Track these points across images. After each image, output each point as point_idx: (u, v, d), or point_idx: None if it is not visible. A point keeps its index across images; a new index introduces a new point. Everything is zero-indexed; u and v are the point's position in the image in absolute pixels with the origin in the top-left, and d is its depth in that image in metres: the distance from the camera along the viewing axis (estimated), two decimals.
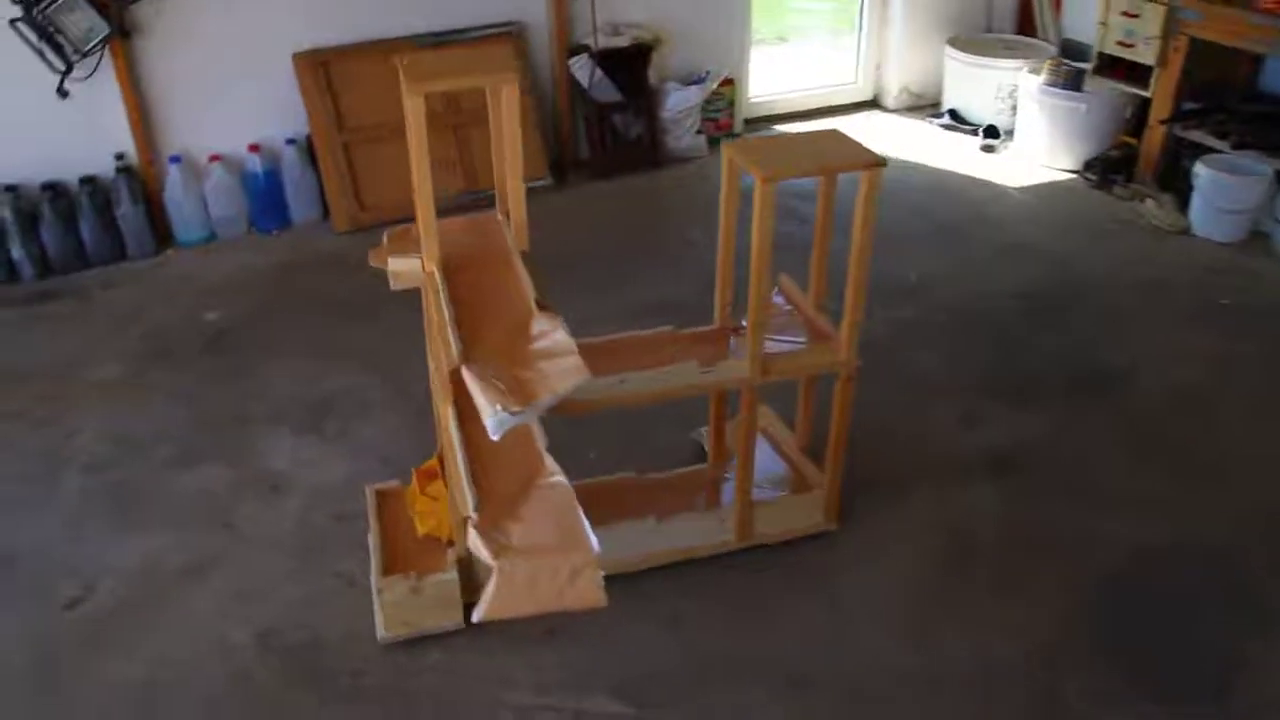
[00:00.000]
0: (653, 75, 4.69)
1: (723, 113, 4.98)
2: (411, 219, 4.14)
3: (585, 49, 4.53)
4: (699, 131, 4.84)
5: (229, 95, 4.17)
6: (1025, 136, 4.81)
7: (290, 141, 4.26)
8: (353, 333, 3.52)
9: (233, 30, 4.07)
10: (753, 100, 5.24)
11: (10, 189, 3.91)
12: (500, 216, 2.15)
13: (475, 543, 1.73)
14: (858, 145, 2.13)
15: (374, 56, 4.27)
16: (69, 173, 3.99)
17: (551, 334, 1.69)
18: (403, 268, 1.97)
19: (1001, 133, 4.96)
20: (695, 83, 4.76)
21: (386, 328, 3.35)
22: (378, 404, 3.14)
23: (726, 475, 2.57)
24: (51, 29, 3.68)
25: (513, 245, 1.95)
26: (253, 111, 4.22)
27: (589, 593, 1.69)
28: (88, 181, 4.00)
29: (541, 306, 1.75)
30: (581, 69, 4.48)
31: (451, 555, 2.28)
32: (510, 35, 4.44)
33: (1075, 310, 3.56)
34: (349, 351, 3.41)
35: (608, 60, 4.52)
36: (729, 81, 4.92)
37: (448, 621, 2.28)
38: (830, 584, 2.42)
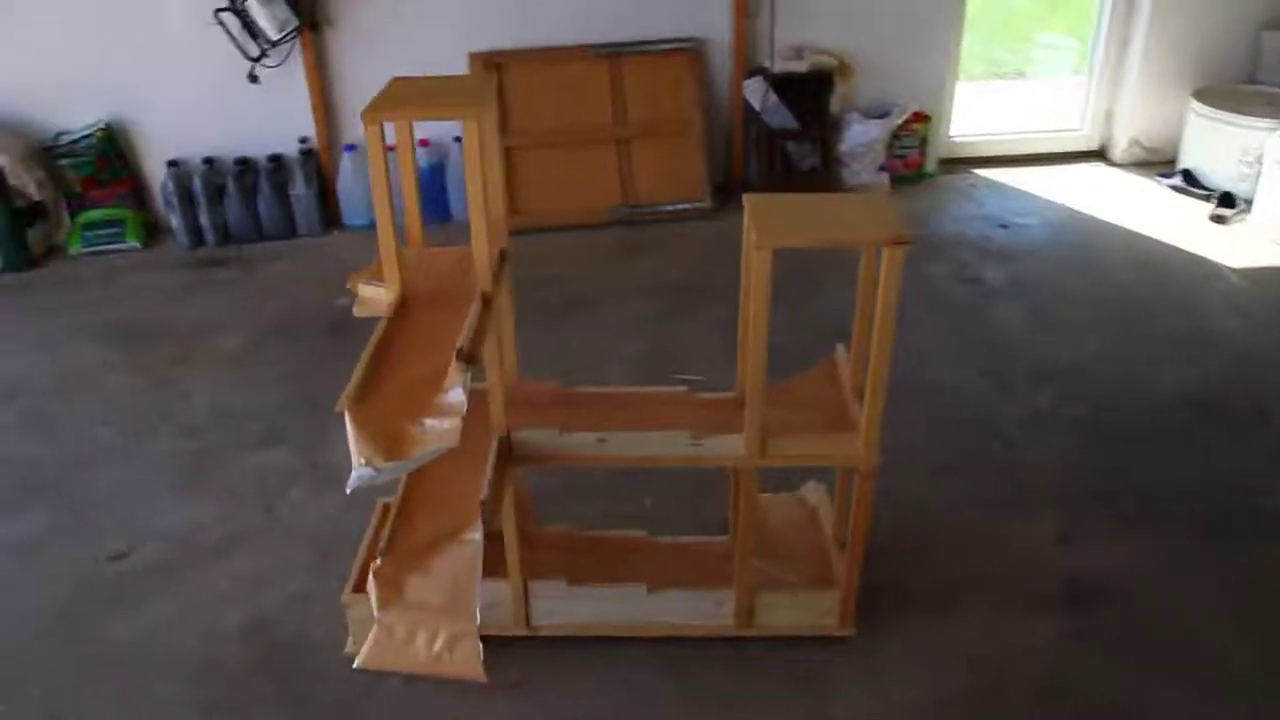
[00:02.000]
0: (835, 104, 4.42)
1: (913, 150, 4.62)
2: (563, 228, 4.20)
3: (763, 71, 4.34)
4: (882, 168, 4.52)
5: None
6: (1265, 209, 4.13)
7: (458, 139, 4.37)
8: None
9: (415, 27, 4.22)
10: (953, 139, 4.84)
11: (208, 161, 4.28)
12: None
13: (370, 587, 1.67)
14: (887, 217, 1.86)
15: (548, 63, 4.31)
16: (259, 151, 4.31)
17: (451, 390, 1.58)
18: (369, 295, 1.92)
19: (1239, 202, 4.28)
20: (880, 116, 4.45)
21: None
22: None
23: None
24: (250, 19, 3.97)
25: (480, 284, 1.85)
26: None
27: (467, 662, 1.59)
28: (274, 160, 4.31)
29: (464, 356, 1.65)
30: (754, 92, 4.30)
31: None
32: (689, 51, 4.33)
33: (1255, 432, 2.97)
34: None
35: (785, 85, 4.30)
36: (923, 117, 4.56)
37: None
38: (824, 698, 2.15)
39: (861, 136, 4.40)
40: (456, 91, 1.88)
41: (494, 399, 1.97)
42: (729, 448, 2.01)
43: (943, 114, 4.68)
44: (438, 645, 1.62)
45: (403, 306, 1.86)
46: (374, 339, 1.74)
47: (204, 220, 4.25)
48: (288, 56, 4.14)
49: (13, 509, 2.79)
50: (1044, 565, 2.49)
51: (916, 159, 4.64)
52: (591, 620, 2.25)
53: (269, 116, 4.24)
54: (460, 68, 4.28)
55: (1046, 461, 2.84)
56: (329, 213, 4.42)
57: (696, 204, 4.36)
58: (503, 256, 2.05)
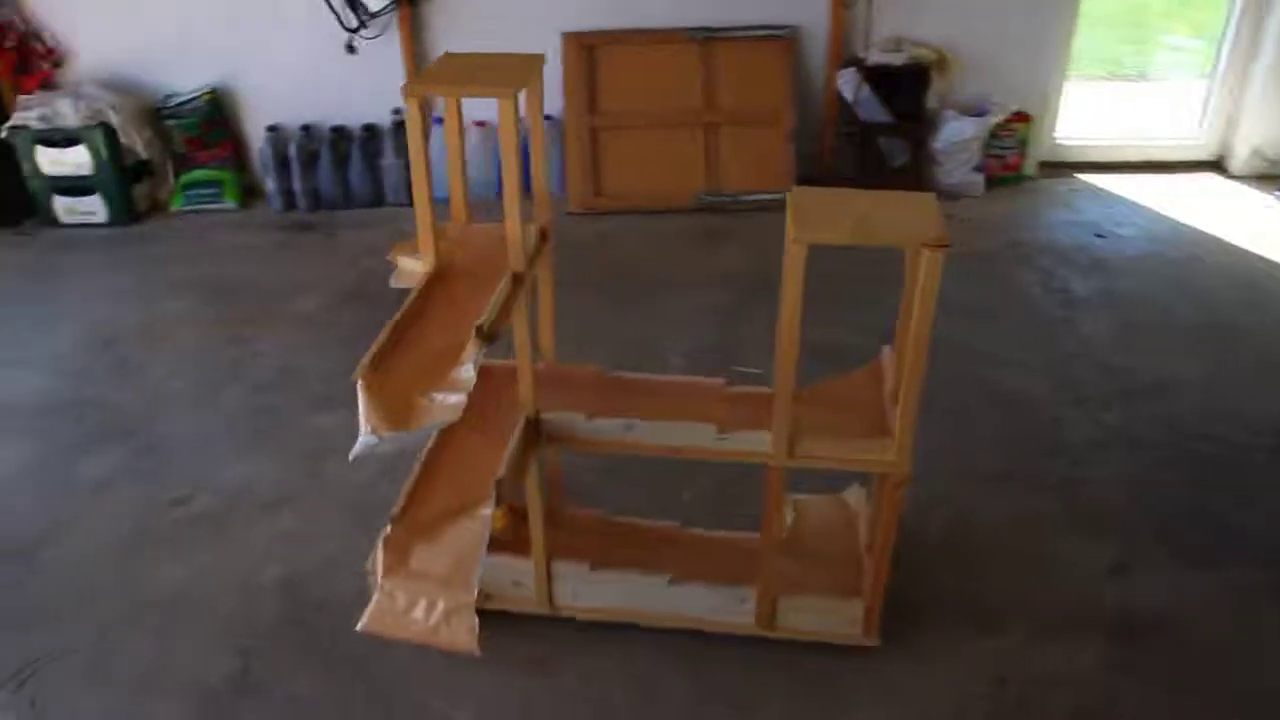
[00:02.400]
0: (932, 99, 4.29)
1: (1012, 151, 4.45)
2: (646, 211, 4.19)
3: (859, 62, 4.24)
4: (977, 168, 4.37)
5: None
6: None
7: (547, 118, 4.40)
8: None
9: (510, 4, 4.26)
10: (1057, 141, 4.64)
11: (305, 128, 4.41)
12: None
13: (378, 550, 1.70)
14: (932, 218, 1.79)
15: (641, 45, 4.29)
16: (354, 120, 4.42)
17: (464, 365, 1.59)
18: (407, 267, 1.94)
19: None
20: (978, 114, 4.29)
21: (564, 311, 3.39)
22: None
23: None
24: None
25: (511, 263, 1.85)
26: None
27: (461, 636, 1.61)
28: (368, 129, 4.41)
29: (482, 333, 1.65)
30: (847, 83, 4.20)
31: None
32: (783, 39, 4.26)
33: None
34: None
35: (880, 77, 4.19)
36: (1024, 117, 4.38)
37: None
38: (838, 708, 2.09)
39: (956, 134, 4.25)
40: (501, 70, 1.88)
41: (523, 379, 1.97)
42: (756, 444, 1.97)
43: (1047, 114, 4.49)
44: (435, 616, 1.64)
45: (436, 280, 1.88)
46: (400, 310, 1.76)
47: (297, 185, 4.39)
48: (386, 29, 4.23)
49: (94, 449, 2.94)
50: (1094, 592, 2.37)
51: (1015, 160, 4.47)
52: (613, 606, 2.24)
53: (365, 87, 4.35)
54: (554, 46, 4.30)
55: (1113, 484, 2.70)
56: None
57: (780, 195, 4.27)
58: (544, 236, 2.05)
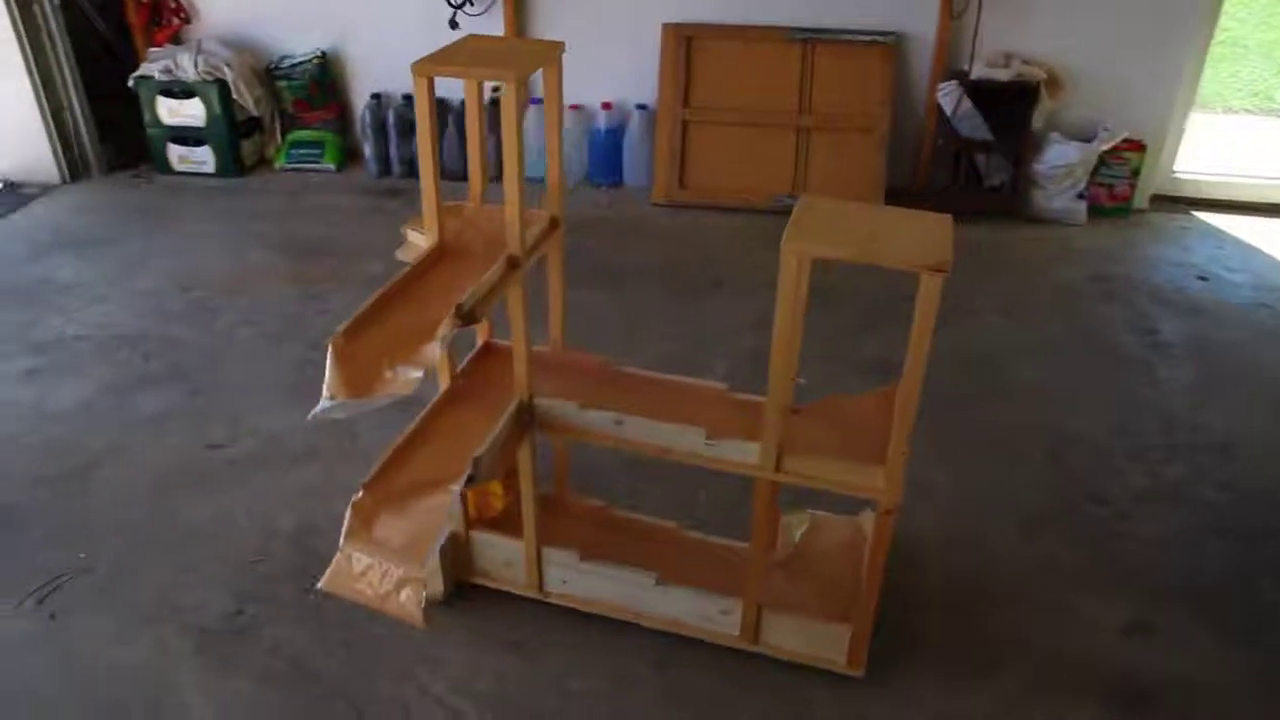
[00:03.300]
0: (1038, 119, 4.09)
1: (1122, 181, 4.21)
2: (725, 209, 4.14)
3: (962, 75, 4.08)
4: (1081, 195, 4.16)
5: (598, 51, 4.39)
6: None
7: (640, 107, 4.40)
8: (589, 296, 3.61)
9: None
10: (1176, 175, 4.37)
11: (406, 97, 4.52)
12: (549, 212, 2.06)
13: (348, 514, 1.74)
14: (940, 241, 1.71)
15: (740, 41, 4.24)
16: (456, 94, 4.51)
17: (433, 343, 1.60)
18: (414, 240, 1.97)
19: None
20: (1087, 139, 4.08)
21: (623, 300, 3.44)
22: None
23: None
24: None
25: (509, 246, 1.86)
26: (615, 70, 4.42)
27: (409, 608, 1.63)
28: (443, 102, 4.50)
29: (461, 313, 1.66)
30: (947, 96, 4.05)
31: (450, 530, 2.28)
32: (886, 46, 4.14)
33: None
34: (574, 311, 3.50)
35: (983, 93, 4.03)
36: (1138, 145, 4.14)
37: (430, 587, 2.29)
38: None
39: (1060, 158, 4.06)
40: (517, 54, 1.87)
41: (517, 362, 1.98)
42: (744, 455, 1.93)
43: (1165, 145, 4.23)
44: (387, 585, 1.66)
45: (438, 257, 1.90)
46: (390, 283, 1.79)
47: (394, 152, 4.52)
48: (490, 6, 4.30)
49: (158, 385, 3.11)
50: (1107, 652, 2.24)
51: (1125, 191, 4.23)
52: (600, 599, 2.24)
53: None
54: (651, 36, 4.28)
55: (1155, 542, 2.54)
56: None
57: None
58: (554, 223, 2.05)
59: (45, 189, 4.44)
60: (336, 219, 4.19)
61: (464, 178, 4.39)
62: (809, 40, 4.19)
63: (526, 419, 2.04)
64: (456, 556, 2.31)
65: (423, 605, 1.65)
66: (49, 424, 2.94)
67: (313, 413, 1.55)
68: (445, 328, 1.63)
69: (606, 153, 4.47)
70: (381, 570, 1.67)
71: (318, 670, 2.15)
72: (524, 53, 1.88)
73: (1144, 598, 2.37)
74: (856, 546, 2.36)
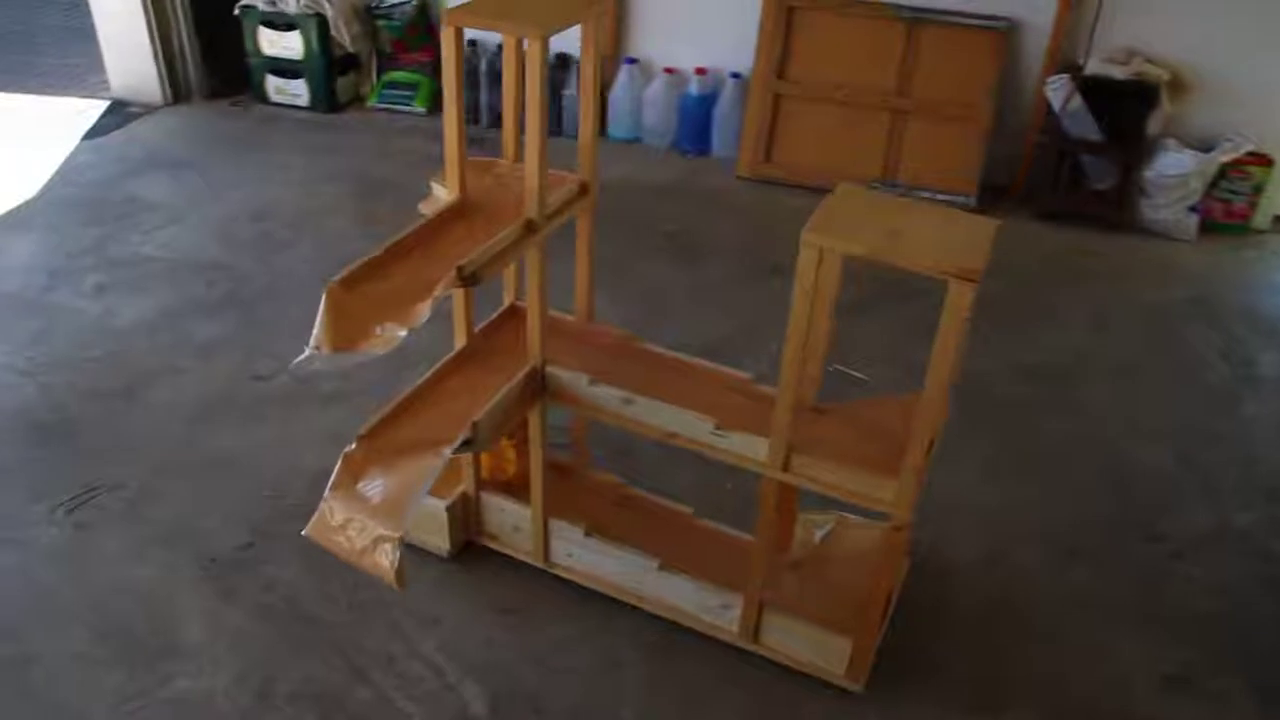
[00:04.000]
0: (1155, 123, 3.81)
1: (1241, 197, 3.91)
2: (811, 188, 3.99)
3: (1075, 69, 3.83)
4: (1194, 209, 3.87)
5: (697, 16, 4.28)
6: None
7: (735, 76, 4.27)
8: (654, 265, 3.54)
9: None
10: None
11: (500, 47, 4.48)
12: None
13: (338, 464, 1.73)
14: (975, 246, 1.57)
15: (844, 15, 4.06)
16: (554, 47, 4.43)
17: (424, 302, 1.55)
18: (437, 194, 1.92)
19: None
20: (1206, 149, 3.78)
21: (689, 273, 3.37)
22: None
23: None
24: None
25: (527, 210, 1.79)
26: (713, 37, 4.29)
27: (382, 565, 1.62)
28: (561, 59, 4.44)
29: (464, 274, 1.61)
30: (1057, 91, 3.80)
31: (461, 489, 2.25)
32: (996, 31, 3.90)
33: None
34: (629, 279, 3.44)
35: (1097, 90, 3.77)
36: (1264, 160, 3.82)
37: (436, 543, 2.28)
38: None
39: (1173, 167, 3.77)
40: (548, 8, 1.79)
41: (531, 328, 1.93)
42: (752, 450, 1.84)
43: None
44: (364, 540, 1.64)
45: (457, 213, 1.85)
46: (400, 235, 1.75)
47: (482, 101, 4.49)
48: None
49: (215, 312, 3.17)
50: (1134, 702, 2.08)
51: (1243, 209, 3.92)
52: (603, 576, 2.19)
53: None
54: (753, 4, 4.13)
55: (1209, 590, 2.35)
56: (598, 119, 4.48)
57: (960, 198, 3.98)
58: (584, 189, 1.98)
59: (149, 109, 4.56)
60: (415, 162, 4.19)
61: (558, 132, 4.40)
62: (915, 19, 3.98)
63: (538, 386, 1.99)
64: (466, 516, 2.28)
65: (396, 565, 1.62)
66: (110, 339, 3.02)
67: (294, 362, 1.52)
68: (441, 288, 1.58)
69: (696, 120, 4.35)
70: (360, 525, 1.64)
71: (313, 613, 2.16)
72: (558, 7, 1.79)
73: (1187, 649, 2.20)
74: (879, 556, 2.25)
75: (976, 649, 2.16)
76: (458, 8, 1.76)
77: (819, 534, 2.29)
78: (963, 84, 3.95)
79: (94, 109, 4.54)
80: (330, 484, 1.72)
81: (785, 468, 1.81)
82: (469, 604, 2.21)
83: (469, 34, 4.33)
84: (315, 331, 1.55)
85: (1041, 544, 2.45)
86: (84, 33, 4.55)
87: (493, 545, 2.30)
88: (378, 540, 1.63)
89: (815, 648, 2.03)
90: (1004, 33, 3.89)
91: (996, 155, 3.99)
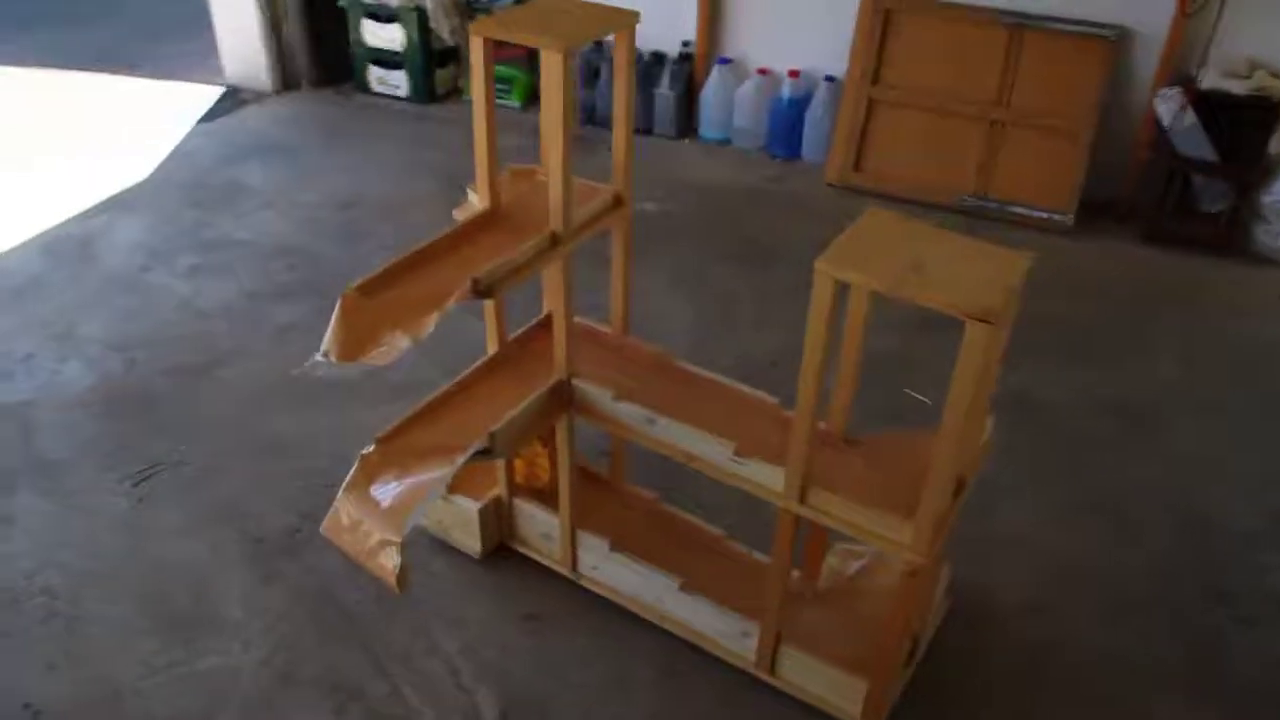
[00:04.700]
0: (1275, 143, 3.56)
1: None
2: (901, 199, 3.88)
3: (1189, 82, 3.60)
4: None
5: (793, 16, 4.20)
6: None
7: (829, 79, 4.18)
8: (727, 270, 3.50)
9: None
10: None
11: (598, 44, 4.49)
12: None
13: (355, 465, 1.77)
14: (1002, 285, 1.49)
15: (944, 20, 3.93)
16: (646, 45, 4.43)
17: (431, 314, 1.57)
18: (472, 201, 1.94)
19: None
20: None
21: (760, 282, 3.33)
22: (668, 333, 3.12)
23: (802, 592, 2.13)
24: None
25: (551, 222, 1.79)
26: (808, 38, 4.20)
27: (384, 569, 1.65)
28: (656, 56, 4.42)
29: (478, 287, 1.62)
30: (1167, 105, 3.58)
31: (495, 493, 2.28)
32: (1104, 40, 3.70)
33: None
34: (705, 283, 3.42)
35: (1212, 105, 3.54)
36: None
37: (467, 542, 2.32)
38: None
39: None
40: (576, 21, 1.77)
41: (557, 341, 1.93)
42: (769, 479, 1.79)
43: None
44: (370, 543, 1.67)
45: (486, 222, 1.86)
46: (423, 243, 1.77)
47: (578, 97, 4.51)
48: None
49: (293, 297, 3.28)
50: None
51: None
52: (625, 591, 2.18)
53: (662, 16, 4.32)
54: (850, 7, 4.02)
55: (1273, 661, 2.19)
56: (689, 119, 4.47)
57: (1056, 215, 3.80)
58: (618, 200, 1.97)
59: (259, 96, 4.75)
60: (504, 157, 4.21)
61: (649, 130, 4.39)
62: (1019, 25, 3.81)
63: (565, 399, 1.99)
64: (499, 519, 2.31)
65: (397, 569, 1.64)
66: (194, 319, 3.16)
67: (303, 366, 1.56)
68: (453, 300, 1.60)
69: (787, 123, 4.28)
70: (366, 528, 1.67)
71: (346, 604, 2.22)
72: (590, 19, 1.78)
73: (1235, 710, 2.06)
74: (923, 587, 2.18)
75: (1006, 702, 2.07)
76: (487, 18, 1.77)
77: (855, 565, 2.23)
78: (1066, 94, 3.76)
79: (210, 95, 4.75)
80: (345, 484, 1.76)
81: (802, 500, 1.77)
82: (494, 607, 2.24)
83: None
84: (326, 337, 1.58)
85: (1096, 594, 2.33)
86: (203, 22, 4.76)
87: (524, 550, 2.32)
88: (381, 544, 1.66)
89: (831, 685, 1.98)
90: (1114, 41, 3.69)
91: (1099, 172, 3.80)
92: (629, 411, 1.92)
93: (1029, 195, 3.85)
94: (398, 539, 1.64)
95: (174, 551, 2.35)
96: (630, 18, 1.80)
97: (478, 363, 2.07)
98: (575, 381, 1.97)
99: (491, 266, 1.66)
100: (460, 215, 1.92)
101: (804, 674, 2.00)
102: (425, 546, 2.36)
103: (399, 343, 1.54)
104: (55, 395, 2.80)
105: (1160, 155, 3.68)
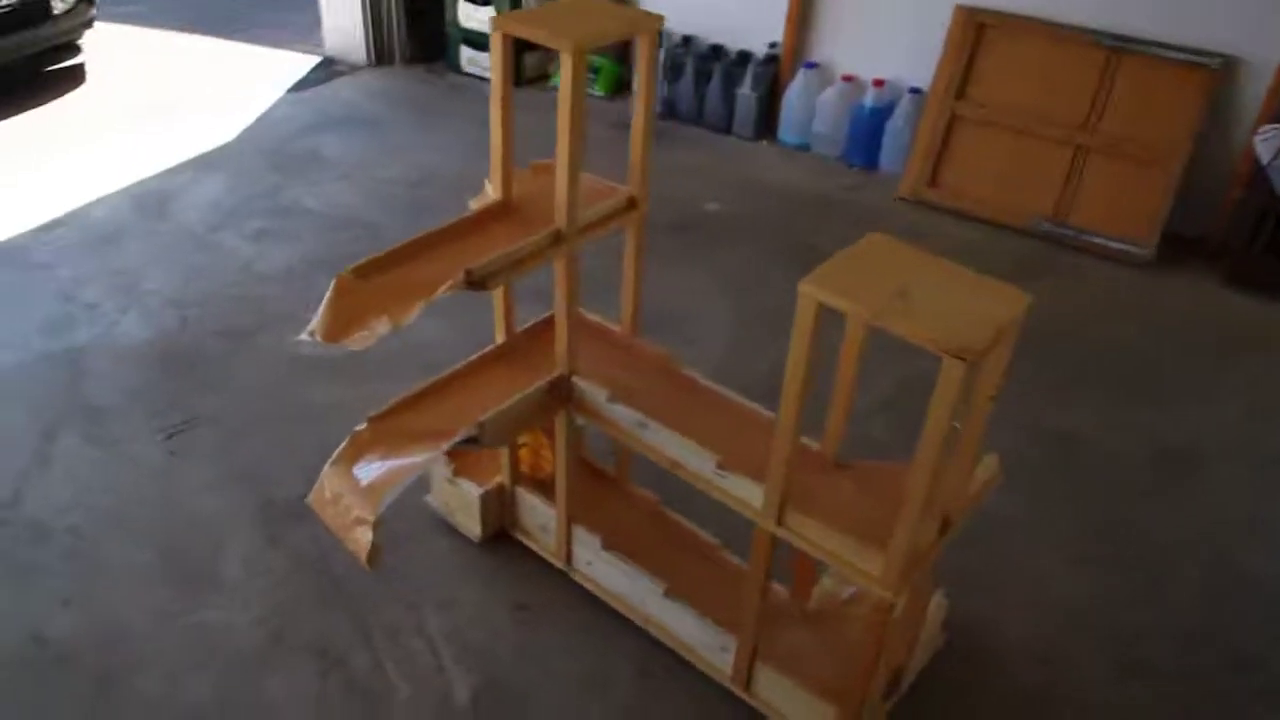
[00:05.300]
0: None
1: None
2: (975, 218, 3.76)
3: None
4: None
5: (883, 24, 4.11)
6: None
7: (914, 90, 4.07)
8: (780, 275, 3.46)
9: None
10: None
11: (686, 39, 4.48)
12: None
13: (345, 441, 1.81)
14: (991, 323, 1.42)
15: (1039, 37, 3.79)
16: (734, 43, 4.39)
17: (418, 302, 1.59)
18: (488, 191, 1.95)
19: None
20: None
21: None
22: (708, 336, 3.11)
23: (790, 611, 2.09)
24: None
25: (556, 219, 1.79)
26: (896, 48, 4.10)
27: (360, 545, 1.69)
28: (742, 56, 4.37)
29: (472, 279, 1.64)
30: (1267, 142, 3.38)
31: (499, 480, 2.30)
32: (1207, 69, 3.51)
33: None
34: (758, 290, 3.38)
35: None
36: None
37: (469, 526, 2.35)
38: None
39: None
40: (596, 21, 1.76)
41: (559, 337, 1.93)
42: (749, 495, 1.77)
43: None
44: (348, 519, 1.70)
45: (497, 213, 1.88)
46: (428, 230, 1.79)
47: (661, 91, 4.50)
48: None
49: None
50: None
51: None
52: (614, 590, 2.18)
53: (752, 16, 4.29)
54: (942, 18, 3.91)
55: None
56: (768, 122, 4.41)
57: (1136, 248, 3.63)
58: (632, 203, 1.95)
59: (353, 69, 4.88)
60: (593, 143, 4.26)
61: (727, 130, 4.35)
62: (1117, 48, 3.64)
63: (565, 394, 2.00)
64: (501, 506, 2.33)
65: (369, 547, 1.67)
66: (252, 282, 3.28)
67: (294, 339, 1.60)
68: (444, 289, 1.61)
69: (868, 132, 4.18)
70: (345, 505, 1.71)
71: (342, 574, 2.27)
72: (610, 21, 1.76)
73: None
74: (907, 621, 2.12)
75: None
76: (506, 15, 1.78)
77: (849, 590, 2.18)
78: (1159, 123, 3.58)
79: (306, 64, 4.91)
80: (332, 458, 1.80)
81: (780, 521, 1.73)
82: (487, 592, 2.26)
83: (688, 29, 4.31)
84: (316, 316, 1.62)
85: (1108, 646, 2.22)
86: None
87: (523, 539, 2.34)
88: (356, 522, 1.69)
89: (803, 709, 1.94)
90: (1216, 71, 3.49)
91: (1187, 207, 3.61)
92: (622, 413, 1.91)
93: (1109, 225, 3.68)
94: (371, 517, 1.67)
95: (195, 506, 2.44)
96: (654, 21, 1.79)
97: (482, 351, 2.09)
98: (574, 379, 1.97)
99: (487, 259, 1.67)
100: (475, 204, 1.94)
101: (778, 694, 1.97)
102: (430, 525, 2.40)
103: (380, 327, 1.57)
104: (110, 345, 2.94)
105: (1254, 194, 3.47)
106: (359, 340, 1.56)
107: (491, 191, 1.92)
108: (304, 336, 1.61)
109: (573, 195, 1.76)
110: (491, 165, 1.90)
